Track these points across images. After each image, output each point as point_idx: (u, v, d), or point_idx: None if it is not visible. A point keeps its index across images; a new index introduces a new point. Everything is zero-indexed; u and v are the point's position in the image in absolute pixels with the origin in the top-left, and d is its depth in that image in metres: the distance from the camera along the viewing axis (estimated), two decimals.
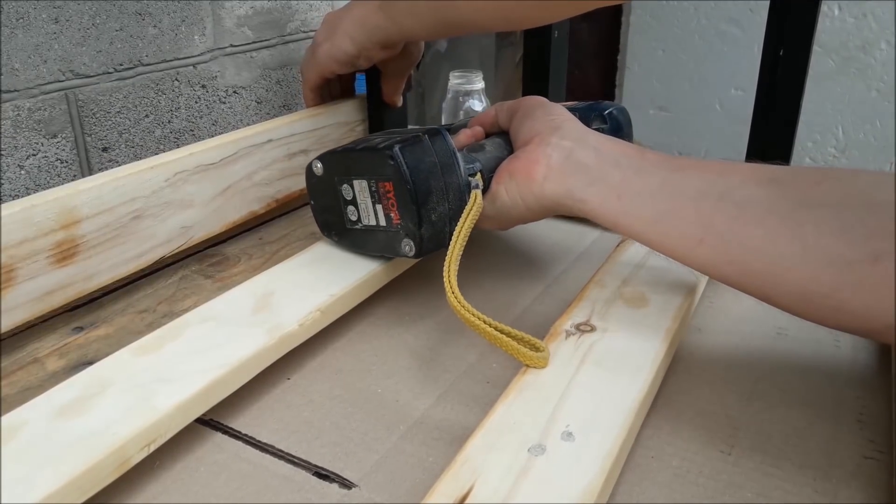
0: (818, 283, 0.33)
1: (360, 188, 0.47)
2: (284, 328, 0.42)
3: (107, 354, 0.40)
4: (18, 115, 0.68)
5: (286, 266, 0.51)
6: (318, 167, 0.51)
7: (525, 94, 0.70)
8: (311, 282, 0.48)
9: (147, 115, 0.79)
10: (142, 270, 0.52)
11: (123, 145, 0.77)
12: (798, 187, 0.35)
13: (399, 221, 0.45)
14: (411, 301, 0.51)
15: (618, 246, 0.53)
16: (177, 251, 0.55)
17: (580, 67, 1.82)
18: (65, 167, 0.73)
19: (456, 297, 0.39)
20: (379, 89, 0.70)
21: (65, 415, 0.35)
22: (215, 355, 0.39)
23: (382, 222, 0.47)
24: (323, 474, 0.36)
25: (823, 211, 0.34)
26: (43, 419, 0.34)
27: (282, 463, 0.37)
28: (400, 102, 0.68)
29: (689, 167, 0.41)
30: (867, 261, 0.31)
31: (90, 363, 0.42)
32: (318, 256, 0.52)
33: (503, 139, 0.50)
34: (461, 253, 0.42)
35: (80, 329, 0.49)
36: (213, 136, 0.60)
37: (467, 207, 0.44)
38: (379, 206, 0.47)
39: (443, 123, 0.77)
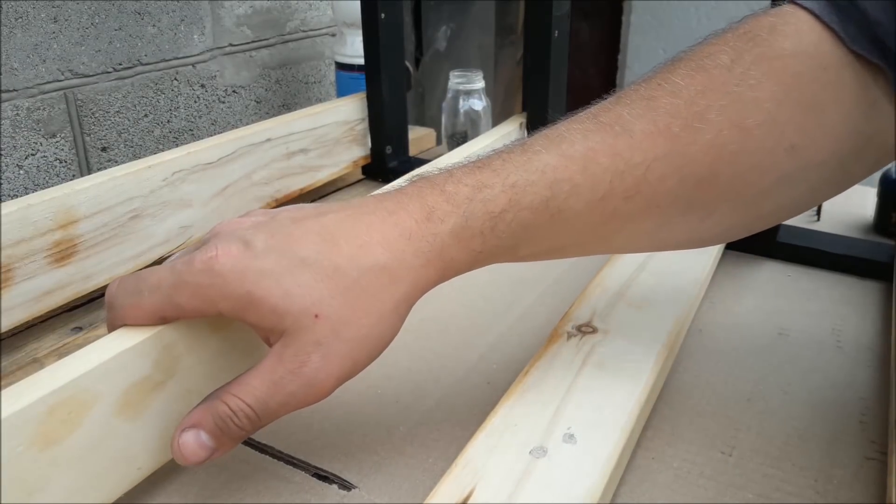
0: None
1: None
2: None
3: None
4: (17, 114, 0.67)
5: None
6: None
7: (525, 93, 0.70)
8: None
9: (146, 115, 0.79)
10: (142, 270, 0.52)
11: (122, 145, 0.77)
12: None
13: None
14: None
15: None
16: (176, 251, 0.55)
17: (580, 67, 1.81)
18: (64, 167, 0.73)
19: None
20: (380, 89, 0.69)
21: None
22: None
23: None
24: (322, 475, 0.36)
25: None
26: None
27: (281, 464, 0.36)
28: None
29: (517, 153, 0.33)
30: None
31: None
32: None
33: None
34: None
35: (80, 329, 0.49)
36: (212, 136, 0.60)
37: None
38: None
39: (443, 123, 0.77)
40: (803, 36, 0.33)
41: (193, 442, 0.30)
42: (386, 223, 0.31)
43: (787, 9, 0.34)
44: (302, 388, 0.30)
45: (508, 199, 0.32)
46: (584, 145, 0.33)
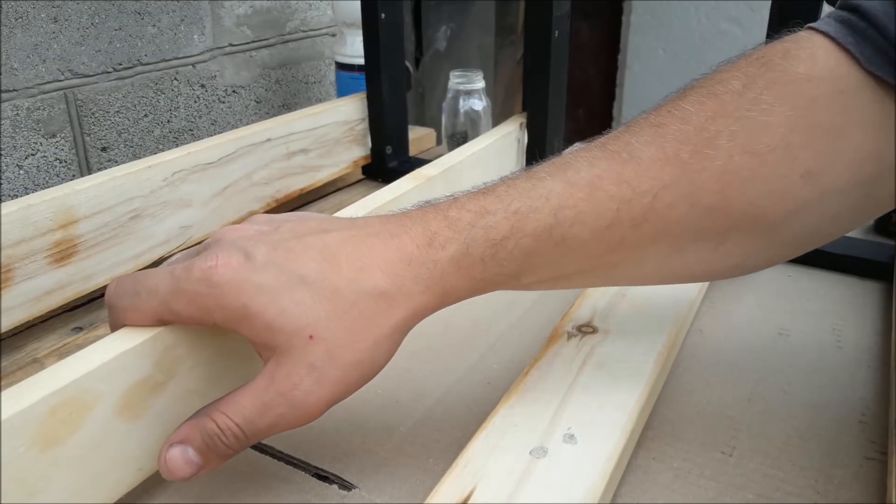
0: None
1: None
2: None
3: None
4: (17, 114, 0.67)
5: None
6: None
7: (525, 93, 0.70)
8: None
9: (146, 115, 0.79)
10: (141, 270, 0.52)
11: (122, 145, 0.77)
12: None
13: None
14: None
15: None
16: (176, 251, 0.55)
17: (580, 67, 1.82)
18: (64, 167, 0.73)
19: None
20: (380, 89, 0.69)
21: None
22: None
23: None
24: (322, 475, 0.36)
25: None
26: None
27: (281, 464, 0.36)
28: None
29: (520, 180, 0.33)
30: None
31: None
32: None
33: None
34: None
35: (80, 329, 0.49)
36: (212, 136, 0.60)
37: None
38: None
39: (443, 123, 0.77)
40: (818, 60, 0.32)
41: (180, 457, 0.30)
42: (388, 247, 0.31)
43: (803, 34, 0.33)
44: (292, 411, 0.30)
45: (511, 225, 0.32)
46: (589, 172, 0.32)
